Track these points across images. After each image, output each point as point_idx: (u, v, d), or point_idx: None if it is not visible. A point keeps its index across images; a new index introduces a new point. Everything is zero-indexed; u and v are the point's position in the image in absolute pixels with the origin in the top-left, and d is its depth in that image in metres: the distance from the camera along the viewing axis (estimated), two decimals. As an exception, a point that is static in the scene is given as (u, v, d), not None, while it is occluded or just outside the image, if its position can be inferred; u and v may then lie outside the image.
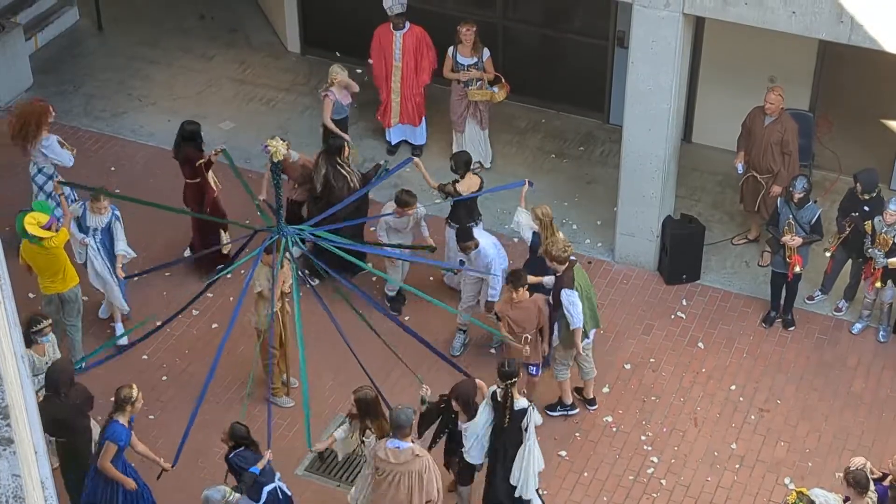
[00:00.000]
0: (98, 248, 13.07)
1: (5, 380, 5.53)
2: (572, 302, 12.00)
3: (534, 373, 12.55)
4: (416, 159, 13.69)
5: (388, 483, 10.56)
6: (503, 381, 10.92)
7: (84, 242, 13.03)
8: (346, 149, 13.74)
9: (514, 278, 12.11)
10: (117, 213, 13.11)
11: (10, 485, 5.28)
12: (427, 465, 10.53)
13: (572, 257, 12.22)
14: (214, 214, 13.79)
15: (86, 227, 13.07)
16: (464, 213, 13.61)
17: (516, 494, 11.29)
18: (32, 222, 12.27)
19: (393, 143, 15.85)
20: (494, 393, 11.05)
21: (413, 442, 10.60)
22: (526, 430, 11.06)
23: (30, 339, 11.41)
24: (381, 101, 15.66)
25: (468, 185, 13.46)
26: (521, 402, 11.01)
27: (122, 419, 10.78)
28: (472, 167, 13.73)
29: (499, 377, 10.99)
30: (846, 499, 10.47)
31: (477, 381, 11.35)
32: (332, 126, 14.73)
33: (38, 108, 13.97)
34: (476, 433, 11.11)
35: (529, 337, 12.19)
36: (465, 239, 12.95)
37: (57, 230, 12.43)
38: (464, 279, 13.33)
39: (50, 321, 11.75)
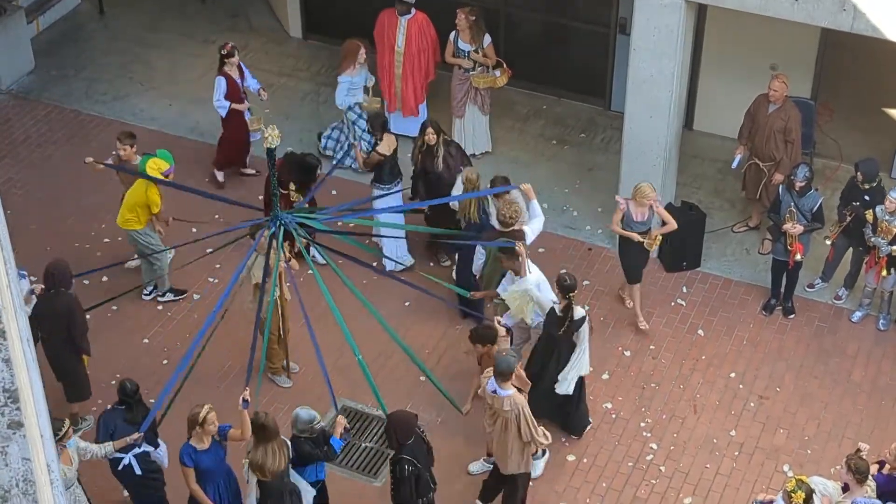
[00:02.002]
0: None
1: (14, 363, 5.54)
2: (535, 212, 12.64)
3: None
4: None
5: (492, 416, 11.12)
6: (565, 293, 11.66)
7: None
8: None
9: (480, 334, 11.84)
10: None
11: (20, 468, 5.30)
12: (520, 413, 10.86)
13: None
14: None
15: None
16: (388, 173, 13.86)
17: (559, 391, 11.98)
18: (154, 167, 13.10)
19: (391, 130, 15.84)
20: (552, 309, 11.81)
21: (512, 389, 10.89)
22: (579, 336, 11.81)
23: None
24: (382, 87, 15.65)
25: (388, 144, 13.78)
26: (579, 311, 11.81)
27: (194, 441, 10.55)
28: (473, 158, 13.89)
29: (560, 290, 11.71)
30: (845, 486, 10.51)
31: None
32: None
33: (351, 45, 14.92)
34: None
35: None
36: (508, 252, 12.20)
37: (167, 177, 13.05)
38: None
39: (69, 424, 10.55)
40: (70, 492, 10.49)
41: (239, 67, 14.79)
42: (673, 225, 13.14)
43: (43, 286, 11.94)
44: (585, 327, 11.84)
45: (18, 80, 16.93)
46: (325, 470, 11.05)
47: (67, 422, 10.53)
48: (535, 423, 10.98)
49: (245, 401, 10.63)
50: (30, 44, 17.19)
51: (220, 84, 14.65)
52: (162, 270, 13.57)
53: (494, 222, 13.00)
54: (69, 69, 17.23)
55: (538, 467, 12.01)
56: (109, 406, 11.47)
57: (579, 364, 11.96)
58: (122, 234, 13.80)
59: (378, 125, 13.92)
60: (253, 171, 15.37)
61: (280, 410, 12.54)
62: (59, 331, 11.85)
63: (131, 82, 17.03)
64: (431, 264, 14.20)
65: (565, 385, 11.98)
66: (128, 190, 13.38)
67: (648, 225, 13.08)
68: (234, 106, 14.74)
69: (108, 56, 17.49)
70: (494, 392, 10.88)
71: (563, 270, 12.02)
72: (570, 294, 11.69)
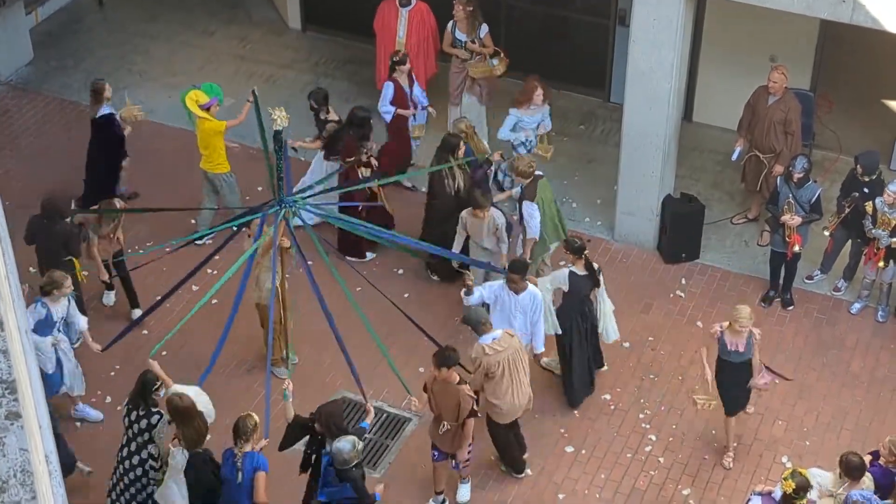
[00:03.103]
0: (70, 346, 12.03)
1: (11, 354, 5.55)
2: (531, 214, 12.90)
3: (435, 457, 11.49)
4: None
5: (503, 374, 11.23)
6: (578, 254, 12.05)
7: (56, 342, 11.80)
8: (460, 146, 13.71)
9: (439, 356, 11.10)
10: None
11: (17, 459, 5.31)
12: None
13: (538, 172, 13.07)
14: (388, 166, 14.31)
15: (54, 322, 11.76)
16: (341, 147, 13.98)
17: (610, 340, 12.60)
18: (192, 99, 13.44)
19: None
20: (571, 271, 12.07)
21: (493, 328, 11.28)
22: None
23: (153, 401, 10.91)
24: (380, 75, 15.64)
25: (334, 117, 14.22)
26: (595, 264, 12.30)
27: (250, 447, 10.48)
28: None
29: (573, 253, 12.08)
30: (875, 454, 10.63)
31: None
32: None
33: None
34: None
35: (448, 427, 11.16)
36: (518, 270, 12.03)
37: (211, 111, 13.50)
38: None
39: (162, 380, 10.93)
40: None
41: (409, 76, 14.57)
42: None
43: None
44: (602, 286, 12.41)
45: (17, 72, 16.92)
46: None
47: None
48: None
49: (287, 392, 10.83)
50: (28, 35, 17.18)
51: (388, 89, 14.41)
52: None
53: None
54: (68, 60, 17.22)
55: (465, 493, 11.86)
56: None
57: (606, 307, 12.43)
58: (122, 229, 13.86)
59: (321, 98, 14.17)
60: (410, 186, 15.13)
61: (279, 402, 12.52)
62: (55, 256, 12.40)
63: (130, 73, 17.02)
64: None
65: (611, 331, 12.52)
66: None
67: (748, 356, 11.69)
68: (400, 111, 14.52)
69: (106, 47, 17.48)
70: (492, 339, 11.22)
71: (570, 236, 12.61)
72: (585, 252, 12.13)
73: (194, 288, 13.81)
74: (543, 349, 12.27)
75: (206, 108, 13.59)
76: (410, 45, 15.26)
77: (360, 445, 10.31)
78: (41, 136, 15.98)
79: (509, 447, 11.91)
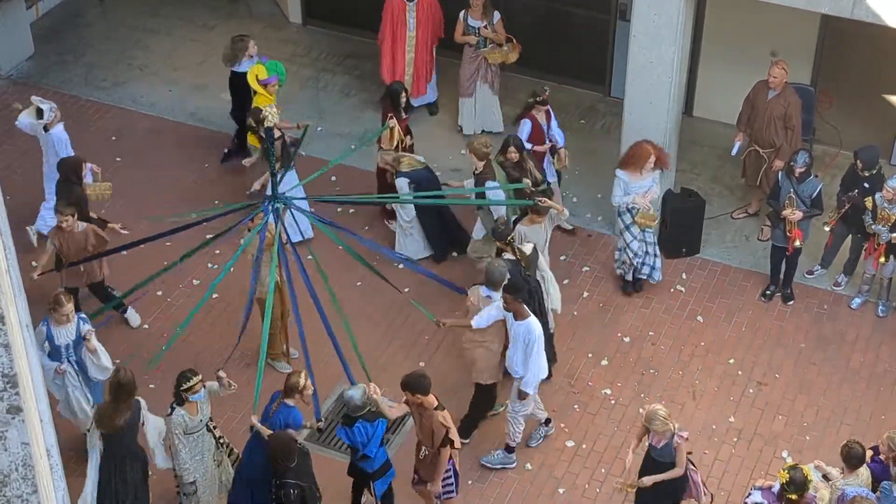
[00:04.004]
0: (76, 374, 11.48)
1: (13, 349, 5.55)
2: (496, 194, 12.89)
3: (415, 480, 11.27)
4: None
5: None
6: (503, 241, 12.05)
7: (61, 370, 11.30)
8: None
9: (409, 383, 10.63)
10: (83, 315, 11.58)
11: (19, 453, 5.31)
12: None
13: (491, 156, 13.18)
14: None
15: (56, 345, 11.25)
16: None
17: (558, 307, 12.66)
18: (253, 72, 14.11)
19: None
20: (512, 261, 11.97)
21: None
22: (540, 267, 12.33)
23: (181, 398, 10.75)
24: (387, 68, 15.66)
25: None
26: (527, 246, 12.18)
27: (292, 402, 10.78)
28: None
29: (498, 239, 12.13)
30: (875, 449, 10.65)
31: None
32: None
33: None
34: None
35: (426, 452, 10.88)
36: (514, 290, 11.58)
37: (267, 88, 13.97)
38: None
39: (200, 377, 10.77)
40: (193, 437, 10.85)
41: (547, 113, 14.04)
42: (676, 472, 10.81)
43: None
44: (540, 257, 12.36)
45: (18, 66, 16.91)
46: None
47: (197, 377, 10.75)
48: None
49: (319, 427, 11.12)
50: (29, 29, 17.16)
51: (525, 126, 13.91)
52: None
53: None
54: (68, 55, 17.21)
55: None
56: None
57: (547, 274, 12.48)
58: (122, 222, 13.84)
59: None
60: (570, 227, 14.62)
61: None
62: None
63: (131, 68, 17.01)
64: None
65: (555, 296, 12.57)
66: None
67: (667, 459, 10.74)
68: (536, 148, 13.93)
69: (107, 42, 17.47)
70: (489, 297, 11.46)
71: (496, 224, 12.49)
72: (509, 238, 12.09)
73: (195, 282, 13.84)
74: (532, 393, 11.62)
75: (264, 85, 13.97)
76: (418, 39, 15.32)
77: (369, 392, 10.55)
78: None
79: (481, 406, 12.12)
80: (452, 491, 11.05)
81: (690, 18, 13.41)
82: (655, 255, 13.54)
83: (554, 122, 14.20)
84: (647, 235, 13.40)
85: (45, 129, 13.70)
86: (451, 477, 10.94)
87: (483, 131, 15.63)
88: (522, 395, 11.54)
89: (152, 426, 11.02)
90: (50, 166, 13.70)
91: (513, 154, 13.26)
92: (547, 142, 14.08)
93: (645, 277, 13.67)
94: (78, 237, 12.44)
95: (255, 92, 14.14)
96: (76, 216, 12.41)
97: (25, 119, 13.83)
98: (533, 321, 11.35)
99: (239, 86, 14.68)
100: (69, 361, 11.34)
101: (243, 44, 14.67)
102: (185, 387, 10.70)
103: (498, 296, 11.48)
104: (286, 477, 10.34)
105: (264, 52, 17.00)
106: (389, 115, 13.96)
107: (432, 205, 13.44)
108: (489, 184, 13.02)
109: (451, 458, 10.77)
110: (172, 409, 10.77)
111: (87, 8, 18.13)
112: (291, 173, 13.40)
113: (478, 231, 13.47)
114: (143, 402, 10.93)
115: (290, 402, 10.76)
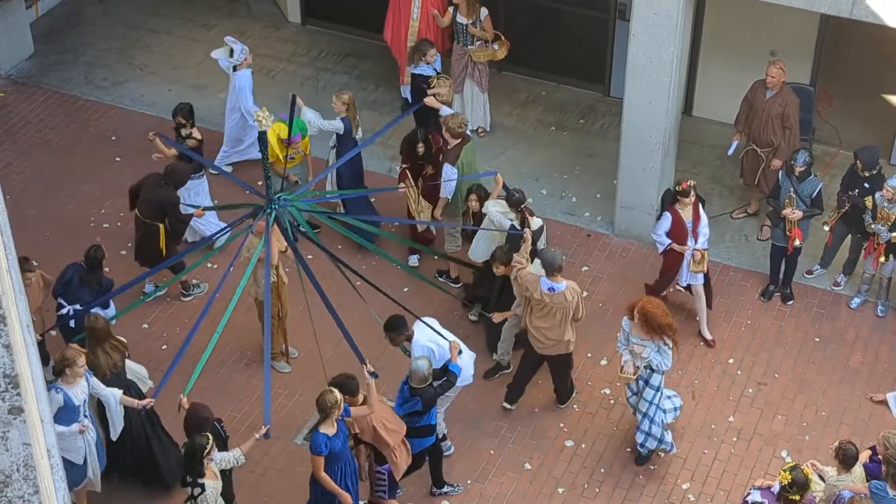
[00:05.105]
0: (94, 428, 10.96)
1: (14, 349, 5.56)
2: (448, 175, 13.19)
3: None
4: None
5: (543, 311, 11.84)
6: (516, 207, 12.39)
7: (84, 428, 10.64)
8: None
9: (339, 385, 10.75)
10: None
11: (20, 453, 5.32)
12: (575, 298, 11.82)
13: (468, 132, 13.49)
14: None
15: (76, 406, 10.57)
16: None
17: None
18: (275, 131, 13.83)
19: (410, 101, 15.80)
20: (511, 225, 12.40)
21: (565, 281, 11.79)
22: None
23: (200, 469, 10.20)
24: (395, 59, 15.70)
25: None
26: (536, 221, 12.65)
27: (325, 429, 10.40)
28: (477, 133, 14.29)
29: (511, 206, 12.42)
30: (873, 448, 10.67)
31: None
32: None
33: None
34: None
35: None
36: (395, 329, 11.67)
37: (286, 144, 13.68)
38: None
39: (212, 440, 10.20)
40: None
41: (695, 207, 12.84)
42: None
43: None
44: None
45: (17, 66, 16.91)
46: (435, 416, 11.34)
47: (210, 439, 10.20)
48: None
49: (372, 373, 10.79)
50: (29, 28, 17.16)
51: (665, 220, 12.89)
52: None
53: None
54: (68, 54, 17.22)
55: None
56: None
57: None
58: (122, 221, 13.86)
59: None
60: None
61: (280, 396, 12.57)
62: (153, 217, 12.84)
63: (130, 67, 17.02)
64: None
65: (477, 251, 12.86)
66: None
67: None
68: (675, 247, 12.88)
69: (107, 41, 17.47)
70: (551, 290, 11.69)
71: (513, 189, 12.74)
72: (523, 206, 12.43)
73: (195, 282, 13.83)
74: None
75: (287, 145, 13.71)
76: (422, 28, 15.34)
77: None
78: (41, 131, 15.97)
79: (523, 376, 12.45)
80: (384, 492, 11.21)
81: (690, 18, 13.42)
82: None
83: (704, 220, 12.94)
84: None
85: (234, 69, 14.37)
86: (384, 482, 11.12)
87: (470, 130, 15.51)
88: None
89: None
90: (230, 108, 14.68)
91: (474, 203, 13.03)
92: (691, 241, 12.90)
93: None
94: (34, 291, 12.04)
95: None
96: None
97: (219, 55, 14.52)
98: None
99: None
100: (85, 416, 10.70)
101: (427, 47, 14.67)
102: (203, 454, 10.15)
103: (560, 285, 11.76)
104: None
105: (264, 52, 17.08)
106: (404, 165, 13.82)
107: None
108: (446, 168, 13.20)
109: (386, 463, 11.02)
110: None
111: (86, 8, 18.13)
112: (202, 182, 13.69)
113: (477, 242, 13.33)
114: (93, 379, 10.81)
115: (323, 427, 10.43)
